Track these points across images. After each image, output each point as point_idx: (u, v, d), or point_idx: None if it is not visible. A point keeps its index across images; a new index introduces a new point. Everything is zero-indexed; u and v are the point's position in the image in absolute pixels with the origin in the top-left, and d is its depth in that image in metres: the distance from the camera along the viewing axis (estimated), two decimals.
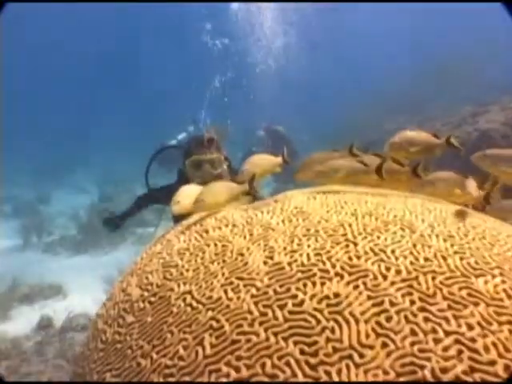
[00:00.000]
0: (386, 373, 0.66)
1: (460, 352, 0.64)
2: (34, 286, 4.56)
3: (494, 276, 0.76)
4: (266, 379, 0.70)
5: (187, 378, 0.75)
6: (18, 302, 4.38)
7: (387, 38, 14.27)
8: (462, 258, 0.81)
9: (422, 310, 0.71)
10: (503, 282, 0.75)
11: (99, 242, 6.24)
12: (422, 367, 0.64)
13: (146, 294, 0.95)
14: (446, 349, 0.65)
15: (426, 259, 0.81)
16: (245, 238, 0.97)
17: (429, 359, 0.65)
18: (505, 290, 0.73)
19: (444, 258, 0.81)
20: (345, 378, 0.67)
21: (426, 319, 0.70)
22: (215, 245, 0.98)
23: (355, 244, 0.87)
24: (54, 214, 7.87)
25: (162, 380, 0.77)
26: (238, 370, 0.72)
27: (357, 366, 0.67)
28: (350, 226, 0.93)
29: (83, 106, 19.10)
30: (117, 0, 15.39)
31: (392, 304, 0.74)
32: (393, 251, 0.84)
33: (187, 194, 1.23)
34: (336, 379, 0.67)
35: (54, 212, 8.05)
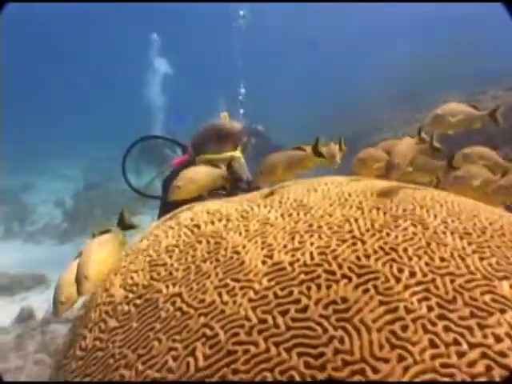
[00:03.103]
0: None
1: (489, 368, 0.57)
2: (15, 277, 4.42)
3: None
4: None
5: None
6: None
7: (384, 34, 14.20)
8: (482, 259, 0.73)
9: (442, 317, 0.64)
10: None
11: (84, 231, 6.10)
12: None
13: (130, 295, 0.85)
14: (472, 364, 0.58)
15: (443, 259, 0.73)
16: (240, 234, 0.88)
17: (453, 376, 0.57)
18: None
19: (462, 258, 0.73)
20: None
21: (447, 328, 0.62)
22: (207, 242, 0.89)
23: (363, 242, 0.79)
24: (36, 203, 7.66)
25: None
26: None
27: (371, 383, 0.60)
28: (357, 221, 0.85)
29: (66, 95, 18.64)
30: (119, 0, 14.90)
31: (407, 311, 0.66)
32: (405, 250, 0.76)
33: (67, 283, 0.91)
34: None
35: (36, 200, 7.84)
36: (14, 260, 4.94)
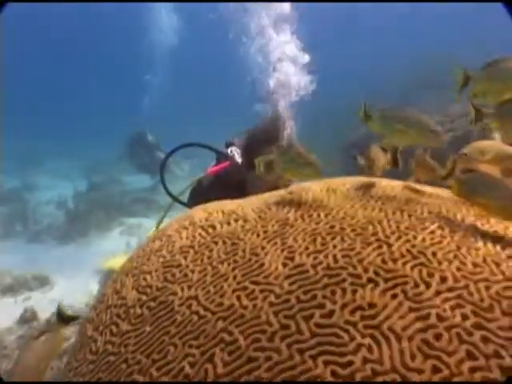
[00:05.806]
0: None
1: None
2: (18, 277, 4.37)
3: None
4: None
5: None
6: (1, 293, 4.21)
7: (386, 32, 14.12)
8: None
9: (479, 327, 0.60)
10: None
11: (87, 232, 6.07)
12: None
13: (144, 297, 0.82)
14: None
15: (475, 265, 0.69)
16: (258, 235, 0.84)
17: None
18: None
19: (497, 264, 0.69)
20: None
21: (485, 339, 0.58)
22: (224, 242, 0.85)
23: (389, 245, 0.75)
24: (39, 203, 7.64)
25: None
26: None
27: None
28: (380, 223, 0.81)
29: (67, 95, 18.67)
30: (118, 0, 14.93)
31: (440, 318, 0.62)
32: (434, 254, 0.72)
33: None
34: None
35: (39, 200, 7.82)
36: (18, 259, 4.90)
